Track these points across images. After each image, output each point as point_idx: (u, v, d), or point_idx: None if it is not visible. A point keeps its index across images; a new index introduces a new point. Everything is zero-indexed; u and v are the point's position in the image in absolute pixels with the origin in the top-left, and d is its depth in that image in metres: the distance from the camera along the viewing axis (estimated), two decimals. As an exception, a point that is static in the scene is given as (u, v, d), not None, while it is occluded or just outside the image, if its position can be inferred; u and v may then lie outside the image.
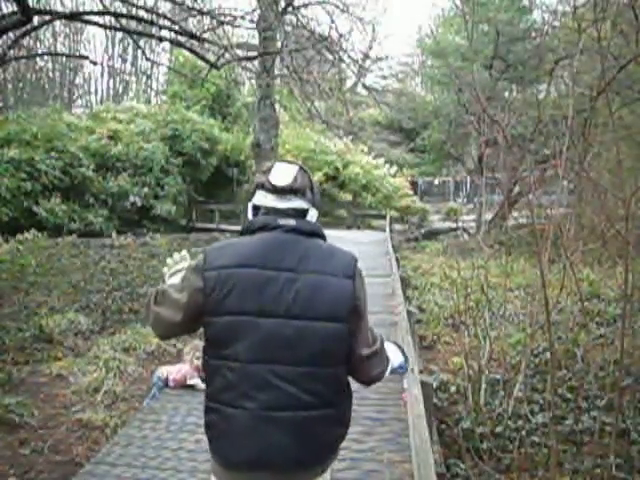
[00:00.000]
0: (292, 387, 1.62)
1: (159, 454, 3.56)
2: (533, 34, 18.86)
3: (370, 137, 28.43)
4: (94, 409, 4.73)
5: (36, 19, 8.04)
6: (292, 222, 1.70)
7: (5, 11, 9.02)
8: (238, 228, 18.87)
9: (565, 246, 4.46)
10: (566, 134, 4.53)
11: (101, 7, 8.68)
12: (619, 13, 6.55)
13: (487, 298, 5.69)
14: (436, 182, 30.27)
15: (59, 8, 27.82)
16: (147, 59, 15.63)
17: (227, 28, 10.70)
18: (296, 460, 1.67)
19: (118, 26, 9.74)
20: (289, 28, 13.05)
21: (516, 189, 16.51)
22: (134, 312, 8.11)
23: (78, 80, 36.45)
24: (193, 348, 4.73)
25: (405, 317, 5.18)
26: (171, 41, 9.79)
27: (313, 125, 22.77)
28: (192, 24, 13.17)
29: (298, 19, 13.67)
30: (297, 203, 1.73)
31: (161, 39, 9.21)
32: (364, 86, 20.03)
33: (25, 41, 13.49)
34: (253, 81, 15.65)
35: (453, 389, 5.40)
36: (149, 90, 38.06)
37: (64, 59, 33.04)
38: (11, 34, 9.16)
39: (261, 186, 1.75)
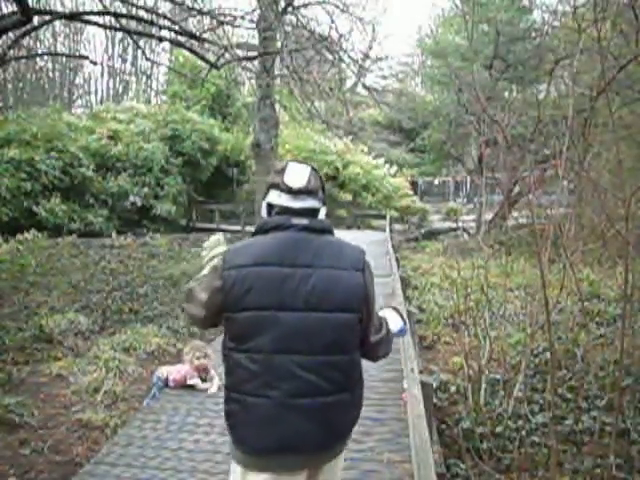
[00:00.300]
0: (312, 375, 1.74)
1: (159, 454, 3.56)
2: (533, 34, 18.85)
3: (370, 137, 28.42)
4: (94, 409, 4.73)
5: (36, 19, 8.04)
6: (304, 221, 1.81)
7: (5, 11, 9.02)
8: (238, 228, 18.91)
9: (565, 246, 4.46)
10: (566, 134, 4.53)
11: (101, 7, 8.69)
12: (619, 13, 6.55)
13: (487, 298, 5.69)
14: (436, 182, 30.28)
15: (59, 8, 27.86)
16: (147, 59, 15.64)
17: (227, 28, 10.71)
18: (318, 443, 1.81)
19: (118, 26, 9.74)
20: (289, 28, 13.04)
21: (516, 189, 16.51)
22: (134, 312, 8.11)
23: (78, 80, 36.49)
24: (193, 348, 4.73)
25: (405, 317, 5.17)
26: (171, 41, 9.80)
27: (313, 125, 22.78)
28: (192, 24, 13.19)
29: (298, 19, 13.67)
30: (310, 203, 1.84)
31: (161, 39, 9.22)
32: (364, 86, 20.01)
33: (25, 41, 13.50)
34: (253, 81, 15.64)
35: (453, 389, 5.40)
36: (149, 90, 38.08)
37: (64, 59, 33.06)
38: (11, 34, 9.17)
39: (276, 186, 1.85)
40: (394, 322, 2.11)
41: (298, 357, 1.74)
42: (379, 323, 1.93)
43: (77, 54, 28.67)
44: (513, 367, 5.55)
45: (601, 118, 8.60)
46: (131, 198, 17.93)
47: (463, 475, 3.96)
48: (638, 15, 6.39)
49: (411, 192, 24.21)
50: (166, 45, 22.91)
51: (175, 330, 7.20)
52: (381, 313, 2.06)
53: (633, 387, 4.85)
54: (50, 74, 33.94)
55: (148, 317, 7.84)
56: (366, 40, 33.43)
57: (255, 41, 15.76)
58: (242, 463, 1.86)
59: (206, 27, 11.02)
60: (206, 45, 9.81)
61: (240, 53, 11.28)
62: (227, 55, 9.53)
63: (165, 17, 9.36)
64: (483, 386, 5.03)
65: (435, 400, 4.71)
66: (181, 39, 9.36)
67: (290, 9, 13.62)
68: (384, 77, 32.06)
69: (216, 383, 4.69)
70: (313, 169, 1.89)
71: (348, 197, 21.54)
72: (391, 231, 16.87)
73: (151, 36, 9.46)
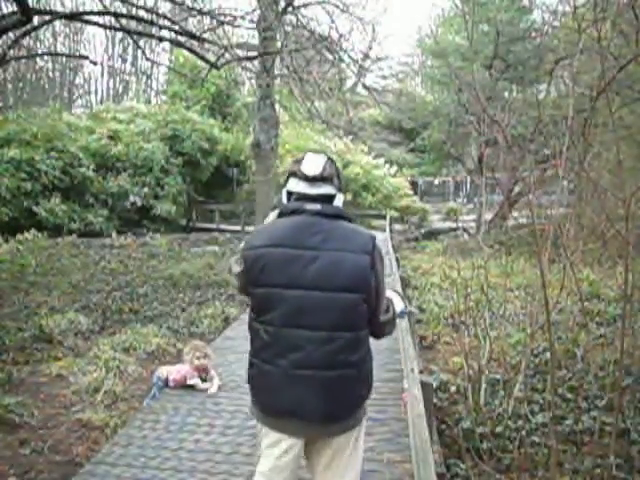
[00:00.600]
0: (316, 349, 1.90)
1: (159, 454, 3.56)
2: (533, 34, 18.84)
3: (370, 137, 28.41)
4: (94, 409, 4.72)
5: (36, 19, 8.04)
6: (317, 206, 1.95)
7: (5, 11, 9.02)
8: (238, 228, 18.92)
9: (565, 246, 4.46)
10: (566, 134, 4.52)
11: (101, 7, 8.69)
12: (619, 13, 6.54)
13: (487, 298, 5.68)
14: (436, 182, 30.27)
15: (59, 8, 27.87)
16: (147, 59, 15.63)
17: (227, 28, 10.72)
18: (322, 413, 1.95)
19: (118, 26, 9.74)
20: (289, 28, 13.04)
21: (516, 189, 16.52)
22: (134, 312, 8.10)
23: (78, 80, 36.52)
24: (193, 348, 4.73)
25: (405, 317, 5.17)
26: (171, 41, 9.79)
27: (313, 125, 22.76)
28: (192, 24, 13.19)
29: (298, 19, 13.67)
30: (325, 189, 1.98)
31: (161, 39, 9.22)
32: (364, 86, 19.99)
33: (25, 41, 13.48)
34: (253, 81, 15.64)
35: (453, 389, 5.39)
36: (149, 90, 38.09)
37: (64, 59, 33.09)
38: (11, 34, 9.17)
39: (294, 174, 2.01)
40: (397, 303, 2.22)
41: (303, 332, 1.90)
42: (387, 304, 2.05)
43: (77, 54, 28.66)
44: (513, 367, 5.55)
45: (601, 118, 8.58)
46: (131, 198, 17.94)
47: (463, 475, 3.96)
48: (638, 15, 6.39)
49: (411, 192, 24.22)
50: (166, 45, 22.92)
51: (175, 330, 7.19)
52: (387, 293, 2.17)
53: (633, 387, 4.85)
54: (50, 74, 33.96)
55: (148, 317, 7.84)
56: (366, 40, 33.37)
57: (255, 41, 15.77)
58: (260, 420, 2.08)
59: (206, 27, 11.03)
60: (206, 45, 9.81)
61: (240, 53, 11.28)
62: (227, 55, 9.53)
63: (165, 17, 9.36)
64: (483, 386, 5.02)
65: (435, 400, 4.70)
66: (181, 39, 9.36)
67: (290, 9, 13.62)
68: (384, 77, 32.06)
69: (216, 383, 4.69)
70: (329, 158, 2.02)
71: (348, 197, 21.52)
72: (391, 231, 16.88)
73: (151, 36, 9.46)
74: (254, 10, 12.31)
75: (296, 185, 2.00)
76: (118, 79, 37.83)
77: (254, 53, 13.11)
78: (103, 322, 7.58)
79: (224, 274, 10.77)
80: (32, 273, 10.33)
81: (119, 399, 5.03)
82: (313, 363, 1.91)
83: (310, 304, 1.90)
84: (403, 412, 3.97)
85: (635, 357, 4.89)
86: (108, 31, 31.21)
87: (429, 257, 14.80)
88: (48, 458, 3.94)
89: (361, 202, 21.73)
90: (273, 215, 2.16)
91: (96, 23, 9.54)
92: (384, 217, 19.23)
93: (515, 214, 13.64)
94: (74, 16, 9.80)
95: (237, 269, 2.06)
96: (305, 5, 14.51)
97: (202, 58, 10.03)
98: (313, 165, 1.97)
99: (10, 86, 30.38)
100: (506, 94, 19.85)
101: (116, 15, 8.72)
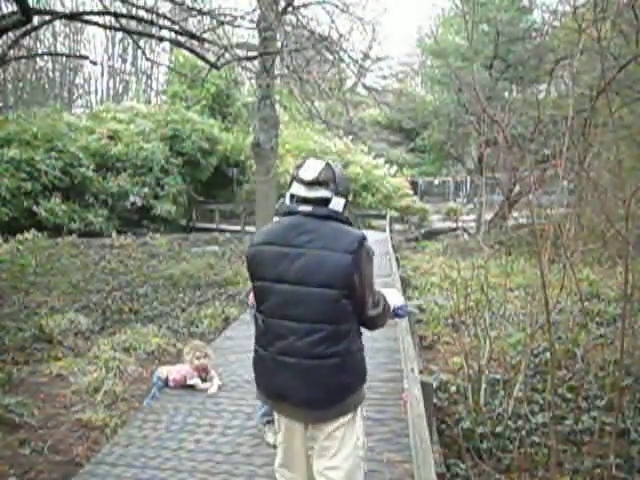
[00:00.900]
0: (298, 339, 2.07)
1: (159, 454, 3.56)
2: (533, 34, 18.84)
3: (370, 137, 28.42)
4: (94, 409, 4.72)
5: (36, 19, 8.04)
6: (309, 208, 2.12)
7: (5, 11, 9.02)
8: (238, 228, 18.92)
9: (565, 246, 4.46)
10: (566, 134, 4.53)
11: (101, 7, 8.68)
12: (619, 13, 6.54)
13: (487, 298, 5.68)
14: (436, 182, 30.28)
15: (59, 8, 27.83)
16: (147, 59, 15.61)
17: (227, 28, 10.69)
18: (304, 399, 2.11)
19: (118, 26, 9.73)
20: (289, 28, 13.01)
21: (516, 189, 16.50)
22: (134, 312, 8.10)
23: (78, 80, 36.50)
24: (193, 348, 4.73)
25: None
26: (171, 41, 9.79)
27: (313, 125, 22.74)
28: (192, 24, 13.19)
29: (298, 19, 13.64)
30: (321, 193, 2.13)
31: (161, 39, 9.22)
32: (364, 86, 19.94)
33: (25, 41, 13.48)
34: (253, 81, 15.62)
35: (453, 389, 5.39)
36: (149, 90, 38.09)
37: (64, 59, 33.06)
38: (11, 34, 9.17)
39: (295, 179, 2.18)
40: (396, 299, 2.34)
41: (289, 323, 2.08)
42: (377, 299, 2.17)
43: (77, 54, 28.66)
44: (513, 367, 5.55)
45: (601, 118, 8.58)
46: (131, 198, 17.94)
47: (463, 475, 3.96)
48: (638, 15, 6.39)
49: (411, 192, 24.22)
50: (166, 45, 22.91)
51: (175, 330, 7.20)
52: (383, 290, 2.30)
53: (633, 387, 4.85)
54: (50, 74, 33.94)
55: (148, 317, 7.84)
56: (366, 40, 33.38)
57: (255, 41, 15.74)
58: (264, 402, 2.38)
59: (206, 27, 11.02)
60: (206, 45, 9.80)
61: (240, 53, 11.26)
62: (227, 55, 9.52)
63: (165, 17, 9.35)
64: (483, 386, 5.02)
65: (435, 400, 4.70)
66: (181, 39, 9.35)
67: (290, 9, 13.59)
68: (384, 77, 32.11)
69: (216, 383, 4.69)
70: (328, 164, 2.18)
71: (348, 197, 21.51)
72: (391, 231, 16.87)
73: (151, 36, 9.45)
74: (254, 10, 12.29)
75: (297, 189, 2.16)
76: (118, 79, 37.84)
77: (254, 53, 13.08)
78: (103, 322, 7.58)
79: (224, 274, 10.77)
80: (32, 273, 10.33)
81: (119, 399, 5.03)
82: (296, 352, 2.07)
83: (295, 298, 2.07)
84: (403, 412, 3.97)
85: (635, 357, 4.89)
86: (108, 31, 31.21)
87: (429, 257, 14.79)
88: (48, 458, 3.94)
89: (361, 202, 21.73)
90: (276, 216, 2.37)
91: (96, 23, 9.53)
92: (384, 217, 19.22)
93: (515, 214, 13.62)
94: (74, 16, 9.78)
95: None
96: (305, 5, 14.48)
97: (202, 58, 10.03)
98: (310, 170, 2.14)
99: (10, 86, 30.37)
100: (506, 94, 19.84)
101: (116, 15, 8.72)
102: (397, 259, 10.54)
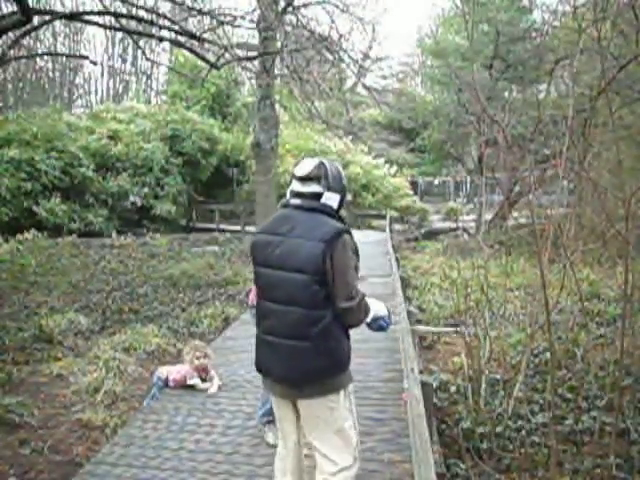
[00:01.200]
0: (277, 320, 2.29)
1: (159, 454, 3.56)
2: (533, 34, 18.81)
3: (370, 137, 28.40)
4: (94, 409, 4.72)
5: (36, 19, 8.03)
6: (298, 201, 2.34)
7: (5, 11, 9.02)
8: (238, 228, 18.90)
9: (565, 246, 4.46)
10: (566, 134, 4.53)
11: (101, 7, 8.67)
12: (619, 13, 6.54)
13: (487, 298, 5.68)
14: (436, 182, 30.26)
15: (59, 8, 27.84)
16: (147, 59, 15.62)
17: (227, 28, 10.68)
18: (282, 376, 2.32)
19: (118, 26, 9.73)
20: (289, 28, 13.00)
21: (516, 189, 16.51)
22: (134, 312, 8.10)
23: (78, 80, 36.46)
24: (193, 348, 4.73)
25: (405, 317, 5.18)
26: (171, 41, 9.78)
27: (313, 125, 22.74)
28: (192, 24, 13.18)
29: (298, 19, 13.63)
30: (313, 188, 2.33)
31: (161, 39, 9.20)
32: (364, 86, 19.96)
33: (25, 41, 13.50)
34: (253, 81, 15.63)
35: (453, 389, 5.39)
36: (149, 90, 38.06)
37: (64, 59, 33.03)
38: (11, 34, 9.17)
39: (292, 176, 2.41)
40: (378, 308, 2.42)
41: (271, 304, 2.31)
42: (352, 293, 2.24)
43: (77, 54, 28.66)
44: (513, 367, 5.55)
45: (601, 118, 8.59)
46: (131, 198, 17.92)
47: (463, 475, 3.96)
48: (638, 15, 6.38)
49: (411, 192, 24.19)
50: (166, 45, 22.93)
51: (175, 330, 7.19)
52: (369, 299, 2.38)
53: (633, 387, 4.85)
54: (50, 74, 33.92)
55: (148, 317, 7.83)
56: (366, 40, 33.46)
57: (255, 41, 15.74)
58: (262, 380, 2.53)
59: (206, 27, 11.00)
60: (206, 45, 9.78)
61: (240, 53, 11.26)
62: (227, 55, 9.51)
63: (165, 17, 9.34)
64: (483, 386, 5.02)
65: (435, 400, 4.70)
66: (181, 39, 9.34)
67: (290, 9, 13.59)
68: (384, 77, 32.09)
69: (216, 383, 4.69)
70: (321, 162, 2.37)
71: (348, 197, 21.50)
72: (391, 231, 16.87)
73: (151, 36, 9.44)
74: (254, 10, 12.28)
75: (293, 185, 2.38)
76: (118, 79, 37.81)
77: (254, 53, 13.08)
78: (103, 322, 7.57)
79: (224, 274, 10.77)
80: (32, 273, 10.32)
81: (119, 399, 5.03)
82: (275, 331, 2.30)
83: (275, 281, 2.29)
84: (403, 412, 3.98)
85: (635, 357, 4.89)
86: (108, 31, 31.19)
87: (429, 257, 14.79)
88: (48, 458, 3.94)
89: (361, 202, 21.72)
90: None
91: (96, 23, 9.52)
92: (384, 217, 19.21)
93: (515, 214, 13.63)
94: (74, 16, 9.76)
95: None
96: (305, 5, 14.48)
97: (202, 58, 10.02)
98: (303, 167, 2.35)
99: (10, 86, 30.35)
100: (506, 94, 19.82)
101: (116, 15, 8.71)
102: (397, 259, 10.54)
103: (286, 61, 12.46)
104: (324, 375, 2.28)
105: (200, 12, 9.80)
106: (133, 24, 10.16)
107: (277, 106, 16.43)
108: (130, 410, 4.78)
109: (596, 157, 7.97)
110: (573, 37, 8.66)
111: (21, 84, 31.20)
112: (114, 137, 18.57)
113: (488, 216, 18.69)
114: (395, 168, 24.55)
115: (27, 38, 11.30)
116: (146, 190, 18.22)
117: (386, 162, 24.39)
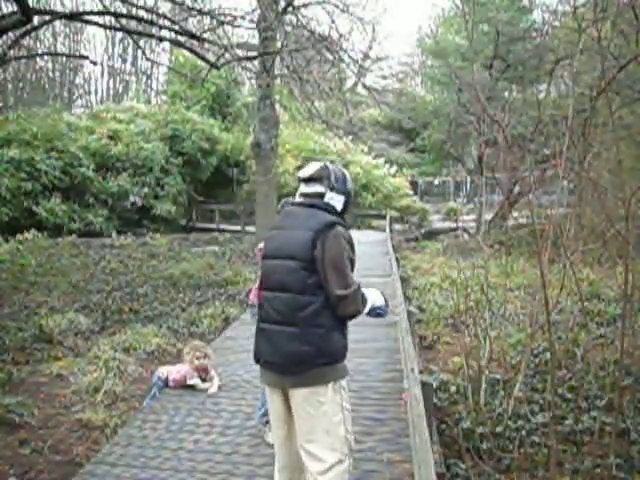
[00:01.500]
0: (269, 307, 2.39)
1: (159, 454, 3.56)
2: (533, 34, 18.82)
3: (370, 137, 28.38)
4: (94, 409, 4.72)
5: (36, 19, 8.03)
6: (300, 199, 2.51)
7: (5, 11, 9.02)
8: (238, 228, 18.91)
9: (565, 246, 4.46)
10: (566, 134, 4.53)
11: (101, 7, 8.67)
12: (619, 13, 6.54)
13: (487, 298, 5.69)
14: (436, 182, 30.25)
15: (59, 8, 27.85)
16: (147, 59, 15.62)
17: (227, 28, 10.67)
18: (269, 362, 2.39)
19: (118, 26, 9.73)
20: (289, 28, 13.01)
21: (516, 189, 16.51)
22: (134, 312, 8.10)
23: (78, 80, 36.48)
24: (193, 348, 4.73)
25: (405, 317, 5.18)
26: (171, 41, 9.78)
27: (313, 125, 22.73)
28: (192, 24, 13.16)
29: (298, 19, 13.64)
30: (316, 188, 2.47)
31: (161, 39, 9.20)
32: (364, 86, 19.96)
33: (25, 41, 13.47)
34: (253, 81, 15.65)
35: (453, 389, 5.39)
36: (149, 90, 38.07)
37: (64, 59, 33.04)
38: (11, 34, 9.16)
39: (298, 179, 2.57)
40: (375, 298, 2.48)
41: (267, 292, 2.43)
42: (346, 282, 2.30)
43: (77, 54, 28.62)
44: (513, 367, 5.55)
45: (601, 118, 8.58)
46: (131, 198, 17.93)
47: (463, 475, 3.96)
48: (638, 15, 6.39)
49: (411, 192, 24.18)
50: (166, 45, 22.92)
51: (175, 330, 7.19)
52: (365, 290, 2.42)
53: (633, 387, 4.85)
54: (50, 74, 33.93)
55: (148, 317, 7.83)
56: (366, 40, 33.45)
57: (255, 41, 15.74)
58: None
59: (206, 27, 11.00)
60: (206, 45, 9.78)
61: (240, 53, 11.26)
62: (227, 55, 9.51)
63: (165, 17, 9.33)
64: (483, 386, 5.02)
65: (435, 400, 4.70)
66: (181, 39, 9.34)
67: (290, 9, 13.59)
68: (384, 77, 32.09)
69: (216, 383, 4.69)
70: (325, 164, 2.51)
71: (348, 197, 21.45)
72: (391, 231, 16.86)
73: (151, 36, 9.44)
74: (254, 10, 12.29)
75: (300, 187, 2.54)
76: (118, 79, 37.82)
77: (254, 53, 13.08)
78: (103, 322, 7.57)
79: (224, 274, 10.77)
80: (32, 273, 10.32)
81: (119, 399, 5.03)
82: (267, 318, 2.39)
83: (271, 269, 2.43)
84: (403, 412, 3.98)
85: (635, 357, 4.89)
86: (108, 31, 31.23)
87: (429, 257, 14.79)
88: (48, 458, 3.94)
89: (361, 202, 21.70)
90: None
91: (96, 23, 9.52)
92: (384, 217, 19.20)
93: (515, 214, 13.64)
94: (74, 16, 9.76)
95: None
96: (305, 5, 14.48)
97: (202, 58, 10.01)
98: (307, 169, 2.51)
99: (10, 86, 30.35)
100: (506, 94, 19.83)
101: (116, 15, 8.71)
102: (397, 259, 10.53)
103: (286, 61, 12.47)
104: (310, 363, 2.29)
105: (200, 12, 9.79)
106: (133, 24, 10.15)
107: (277, 106, 16.43)
108: (130, 410, 4.78)
109: (596, 157, 7.96)
110: (573, 37, 8.66)
111: (21, 84, 31.21)
112: (114, 137, 18.57)
113: (488, 216, 18.69)
114: (395, 168, 24.54)
115: (27, 38, 11.29)
116: (146, 190, 18.23)
117: (386, 162, 24.39)
